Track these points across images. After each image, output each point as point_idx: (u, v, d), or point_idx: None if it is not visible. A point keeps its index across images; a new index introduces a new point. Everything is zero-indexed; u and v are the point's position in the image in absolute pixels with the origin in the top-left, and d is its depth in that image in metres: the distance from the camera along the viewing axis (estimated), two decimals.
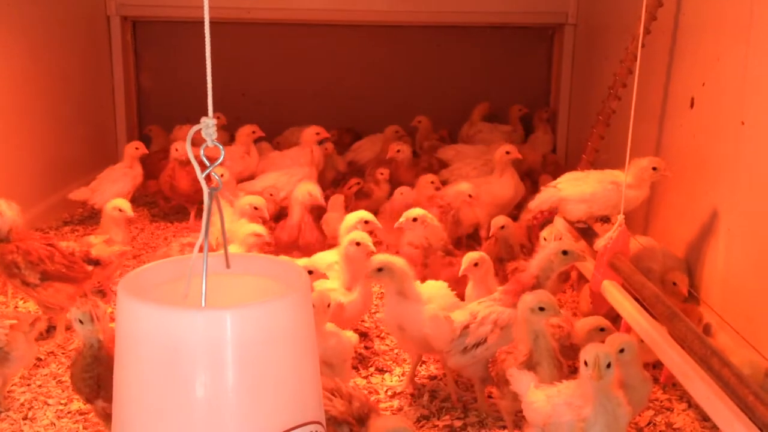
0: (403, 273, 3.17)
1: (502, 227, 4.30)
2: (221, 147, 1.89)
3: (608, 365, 2.38)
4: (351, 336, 3.23)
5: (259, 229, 3.96)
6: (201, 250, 1.79)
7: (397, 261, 3.21)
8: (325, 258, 3.91)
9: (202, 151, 1.87)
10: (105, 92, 6.76)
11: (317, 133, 5.78)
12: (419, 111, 6.76)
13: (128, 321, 1.73)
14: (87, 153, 6.24)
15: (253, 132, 5.83)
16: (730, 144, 3.54)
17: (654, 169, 3.92)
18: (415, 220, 4.01)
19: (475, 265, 3.48)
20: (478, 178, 5.45)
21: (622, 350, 2.68)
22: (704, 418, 3.10)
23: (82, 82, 6.24)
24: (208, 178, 1.86)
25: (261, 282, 1.99)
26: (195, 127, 1.86)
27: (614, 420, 2.45)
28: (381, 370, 3.55)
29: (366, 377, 3.48)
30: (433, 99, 6.96)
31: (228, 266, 1.99)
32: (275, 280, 1.96)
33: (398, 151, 5.74)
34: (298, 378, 1.80)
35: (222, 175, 4.82)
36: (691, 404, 3.21)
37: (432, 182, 5.15)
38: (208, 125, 1.86)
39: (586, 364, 2.39)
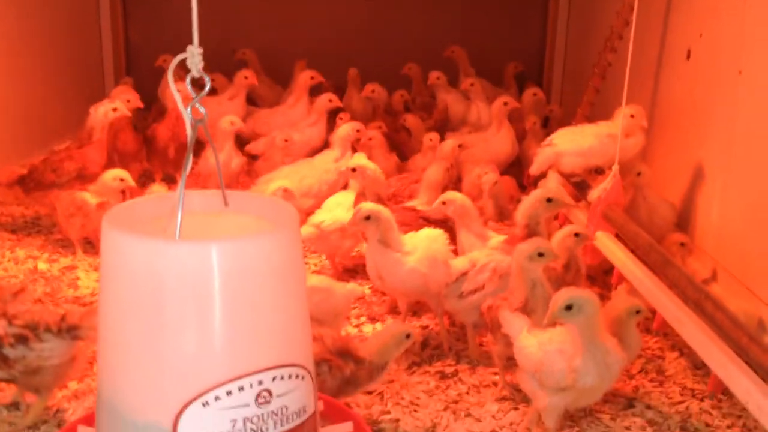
0: (388, 222, 3.17)
1: (496, 183, 4.24)
2: (207, 77, 1.83)
3: (569, 307, 2.36)
4: (354, 288, 3.22)
5: (287, 183, 3.91)
6: (187, 184, 1.76)
7: (384, 210, 3.21)
8: (335, 199, 4.01)
9: (188, 84, 1.82)
10: (92, 45, 6.63)
11: (312, 78, 5.65)
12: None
13: (112, 253, 1.70)
14: (74, 107, 6.11)
15: (246, 77, 5.66)
16: (727, 94, 3.50)
17: (631, 116, 3.87)
18: (354, 170, 3.86)
19: (443, 203, 3.48)
20: (474, 134, 5.37)
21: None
22: (696, 366, 3.09)
23: (68, 35, 6.11)
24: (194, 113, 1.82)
25: (256, 221, 1.96)
26: (180, 56, 1.80)
27: (606, 368, 2.43)
28: (373, 319, 3.52)
29: (357, 326, 3.45)
30: (426, 52, 6.82)
31: (226, 204, 1.96)
32: (270, 220, 1.93)
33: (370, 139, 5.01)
34: (283, 317, 1.77)
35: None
36: (683, 353, 3.20)
37: (431, 140, 5.03)
38: (194, 54, 1.80)
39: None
